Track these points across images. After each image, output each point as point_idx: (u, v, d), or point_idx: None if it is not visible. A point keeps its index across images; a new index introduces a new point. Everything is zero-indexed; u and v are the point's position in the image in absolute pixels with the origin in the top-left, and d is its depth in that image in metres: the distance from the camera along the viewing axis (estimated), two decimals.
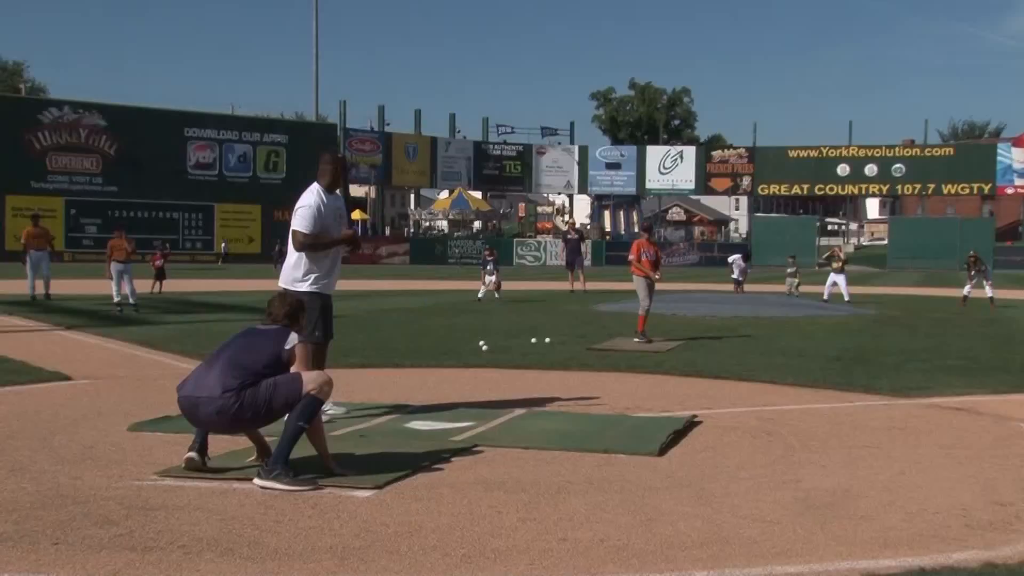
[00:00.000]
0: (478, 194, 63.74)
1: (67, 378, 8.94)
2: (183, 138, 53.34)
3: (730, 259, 28.44)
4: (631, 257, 13.19)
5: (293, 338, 5.40)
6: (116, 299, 17.46)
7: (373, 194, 65.36)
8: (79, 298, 20.27)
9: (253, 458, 5.49)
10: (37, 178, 48.95)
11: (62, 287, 21.59)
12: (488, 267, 22.19)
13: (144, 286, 21.17)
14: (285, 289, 6.77)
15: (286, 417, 5.20)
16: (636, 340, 12.53)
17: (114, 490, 4.95)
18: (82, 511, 4.56)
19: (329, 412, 7.13)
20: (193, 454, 5.30)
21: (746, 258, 28.94)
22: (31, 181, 48.51)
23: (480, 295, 21.60)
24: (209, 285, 27.86)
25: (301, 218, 6.89)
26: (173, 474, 5.27)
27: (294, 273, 6.93)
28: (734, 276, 27.03)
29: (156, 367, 9.98)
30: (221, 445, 6.02)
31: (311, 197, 6.95)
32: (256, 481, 5.06)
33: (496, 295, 21.48)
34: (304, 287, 6.87)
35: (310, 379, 5.25)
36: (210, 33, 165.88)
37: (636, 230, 67.60)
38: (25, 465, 5.48)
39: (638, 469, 5.64)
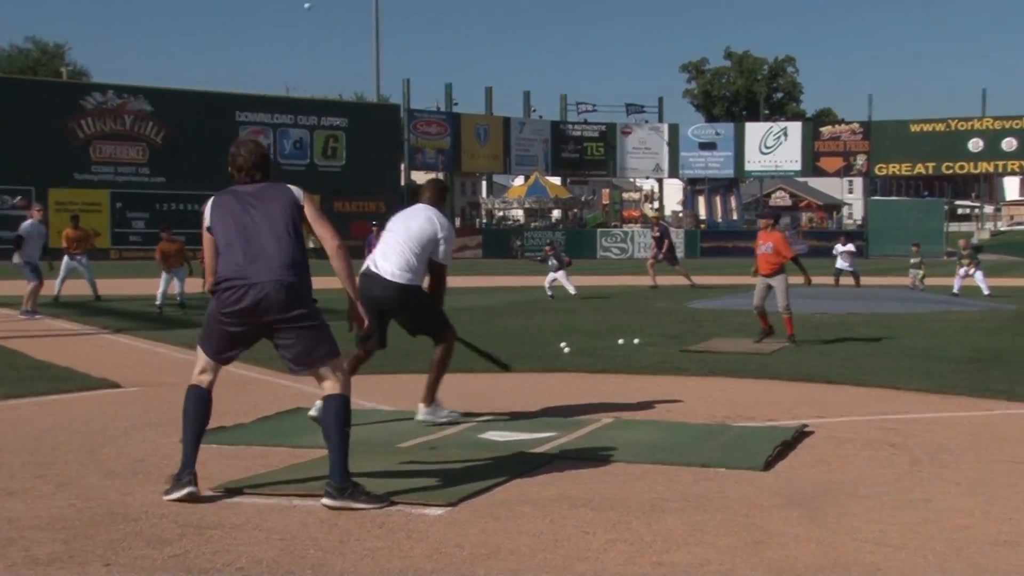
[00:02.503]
0: (556, 180, 63.70)
1: (116, 385, 9.19)
2: (234, 123, 54.28)
3: (837, 249, 27.78)
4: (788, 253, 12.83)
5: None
6: (159, 301, 17.90)
7: None
8: (127, 299, 20.81)
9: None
10: (81, 169, 50.29)
11: (109, 287, 22.18)
12: (550, 263, 22.29)
13: (195, 284, 21.64)
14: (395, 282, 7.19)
15: (326, 431, 5.24)
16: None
17: (166, 507, 5.07)
18: (134, 529, 4.68)
19: (441, 417, 7.34)
20: (193, 488, 5.17)
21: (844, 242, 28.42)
22: (74, 173, 49.85)
23: (549, 292, 21.66)
24: None
25: (449, 249, 7.52)
26: (229, 489, 5.37)
27: (415, 278, 7.33)
28: (844, 266, 26.55)
29: None
30: (280, 458, 6.13)
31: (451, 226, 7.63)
32: (326, 501, 5.06)
33: (571, 292, 21.45)
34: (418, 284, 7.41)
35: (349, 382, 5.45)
36: (262, 8, 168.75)
37: (734, 217, 66.99)
38: (73, 480, 5.64)
39: (741, 485, 5.59)
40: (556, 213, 64.65)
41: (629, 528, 4.75)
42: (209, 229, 5.44)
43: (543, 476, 5.77)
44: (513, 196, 62.85)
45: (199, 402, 5.37)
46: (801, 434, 6.96)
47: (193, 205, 50.26)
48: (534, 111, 66.84)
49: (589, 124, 66.29)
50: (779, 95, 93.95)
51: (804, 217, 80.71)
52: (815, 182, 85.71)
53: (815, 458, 6.31)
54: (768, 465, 6.04)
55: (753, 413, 7.91)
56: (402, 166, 59.93)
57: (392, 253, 7.30)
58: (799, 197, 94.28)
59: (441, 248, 7.39)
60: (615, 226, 65.26)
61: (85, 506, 5.10)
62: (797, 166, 65.21)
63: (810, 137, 64.53)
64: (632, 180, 78.37)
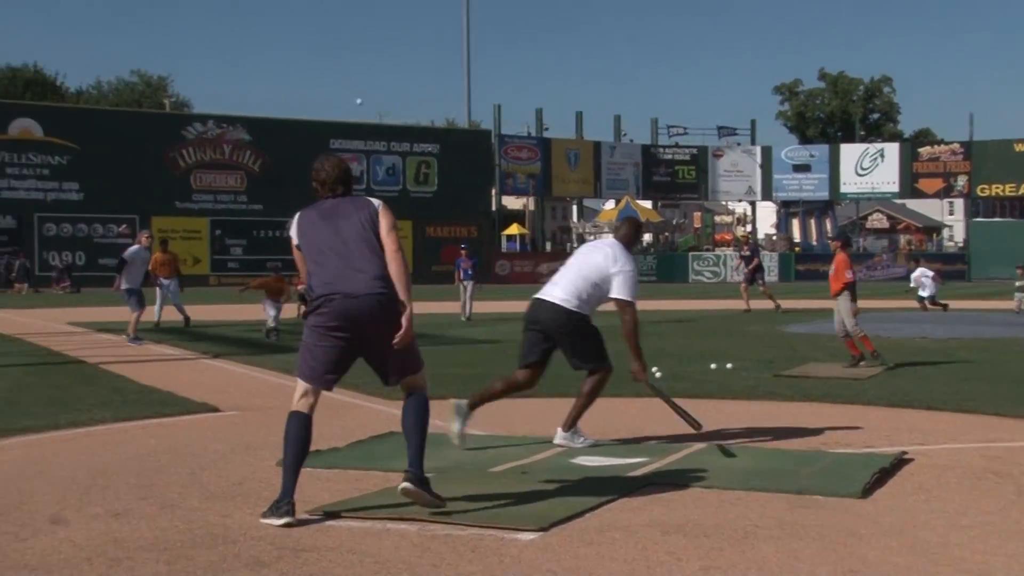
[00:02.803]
0: (647, 203, 63.45)
1: (215, 409, 9.41)
2: (328, 150, 55.25)
3: (915, 274, 25.97)
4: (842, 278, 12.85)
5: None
6: (271, 324, 17.85)
7: (532, 206, 66.06)
8: (225, 325, 21.29)
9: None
10: (182, 198, 51.67)
11: (207, 313, 22.73)
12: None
13: (290, 310, 22.05)
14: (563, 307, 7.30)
15: (411, 427, 5.50)
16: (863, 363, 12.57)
17: (264, 529, 5.17)
18: (233, 551, 4.79)
19: (578, 443, 7.34)
20: (291, 518, 5.24)
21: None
22: (176, 201, 51.25)
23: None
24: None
25: (632, 286, 7.46)
26: (324, 513, 5.46)
27: (582, 306, 7.40)
28: (924, 294, 24.87)
29: None
30: (374, 482, 6.21)
31: (632, 262, 7.56)
32: (405, 485, 5.37)
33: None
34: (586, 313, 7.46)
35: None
36: (355, 38, 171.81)
37: (828, 240, 65.94)
38: (175, 502, 5.79)
39: (838, 513, 5.49)
40: (647, 237, 64.38)
41: (722, 555, 4.71)
42: (298, 247, 5.61)
43: (635, 501, 5.75)
44: (604, 220, 62.65)
45: (300, 428, 5.44)
46: (900, 461, 6.81)
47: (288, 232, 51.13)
48: (625, 135, 66.76)
49: (680, 147, 65.93)
50: (875, 116, 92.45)
51: (902, 239, 79.06)
52: (914, 204, 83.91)
53: (915, 486, 6.18)
54: (866, 492, 5.92)
55: (850, 439, 7.78)
56: (493, 191, 60.33)
57: (563, 281, 7.47)
58: (897, 219, 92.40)
59: (615, 281, 7.39)
60: (707, 249, 64.76)
61: (187, 528, 5.23)
62: (895, 188, 63.90)
63: (908, 158, 63.19)
64: (724, 203, 77.68)
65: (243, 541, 4.96)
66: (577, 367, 7.54)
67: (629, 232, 7.80)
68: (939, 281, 25.63)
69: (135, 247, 17.59)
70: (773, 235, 68.79)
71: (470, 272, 23.31)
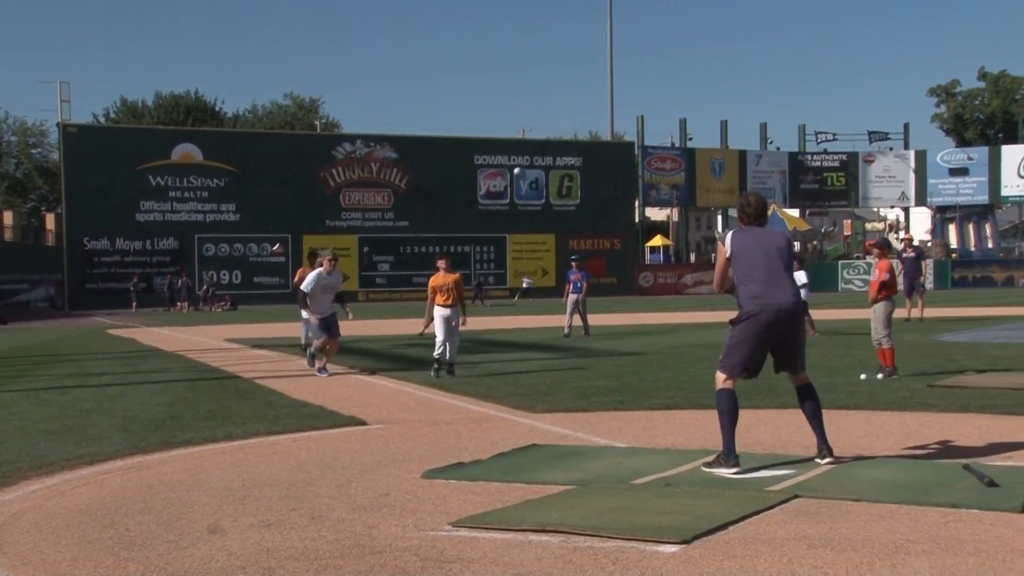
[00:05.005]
0: (795, 212, 62.22)
1: (362, 423, 9.64)
2: (473, 166, 55.99)
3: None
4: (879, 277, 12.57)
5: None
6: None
7: (676, 217, 65.51)
8: (374, 339, 21.76)
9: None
10: (332, 216, 53.15)
11: (356, 328, 23.27)
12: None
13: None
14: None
15: (813, 411, 7.04)
16: (880, 376, 12.25)
17: (409, 540, 5.27)
18: (379, 562, 4.90)
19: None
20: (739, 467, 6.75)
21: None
22: (326, 220, 52.76)
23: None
24: (501, 322, 28.94)
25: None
26: (467, 524, 5.53)
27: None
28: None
29: (449, 411, 10.53)
30: (517, 494, 6.26)
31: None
32: (819, 459, 6.90)
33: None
34: None
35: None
36: (498, 52, 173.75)
37: (989, 246, 63.33)
38: (324, 513, 5.96)
39: (995, 527, 5.28)
40: (795, 246, 63.00)
41: (872, 570, 4.58)
42: (729, 258, 7.11)
43: (780, 514, 5.64)
44: None
45: (731, 400, 6.88)
46: None
47: (434, 248, 52.15)
48: (771, 142, 65.69)
49: (829, 154, 64.49)
50: None
51: None
52: None
53: None
54: None
55: (1009, 451, 7.45)
56: (636, 203, 60.09)
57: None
58: None
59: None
60: (857, 257, 63.00)
61: (335, 538, 5.37)
62: None
63: None
64: (876, 209, 75.49)
65: (389, 552, 5.07)
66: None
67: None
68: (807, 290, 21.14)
69: (314, 273, 14.64)
70: (928, 241, 66.47)
71: (579, 285, 21.91)
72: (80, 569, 4.88)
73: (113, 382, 13.97)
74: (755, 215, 7.21)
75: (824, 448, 6.95)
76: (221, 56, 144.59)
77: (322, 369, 14.42)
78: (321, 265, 14.79)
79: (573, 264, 23.33)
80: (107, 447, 8.37)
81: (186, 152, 51.15)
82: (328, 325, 14.42)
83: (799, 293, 6.97)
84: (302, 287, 14.60)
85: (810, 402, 7.06)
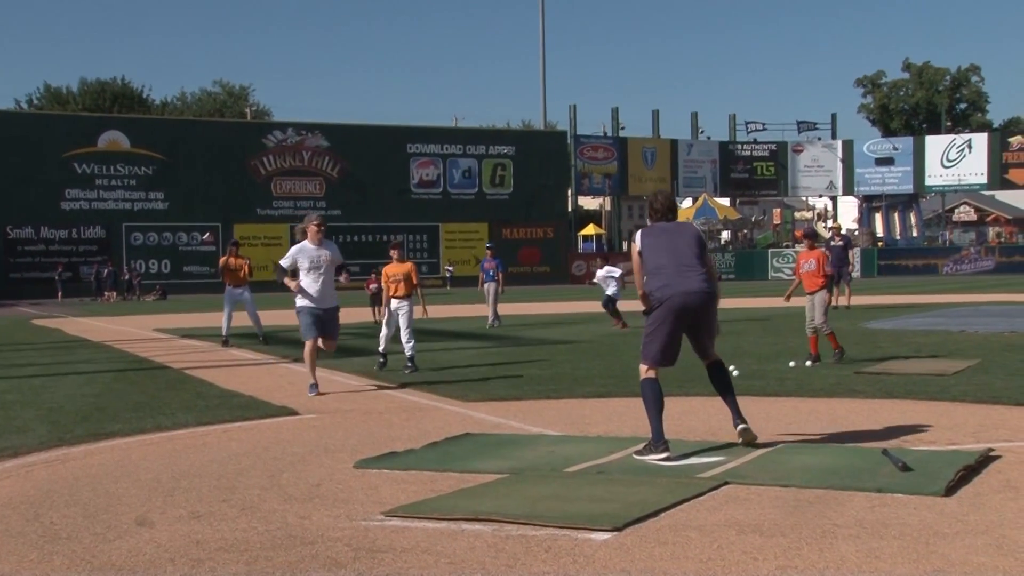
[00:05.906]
0: (725, 201, 62.96)
1: (294, 413, 9.55)
2: (405, 155, 55.79)
3: (600, 273, 21.73)
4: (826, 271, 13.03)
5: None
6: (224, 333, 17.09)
7: (608, 206, 65.88)
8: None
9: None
10: (263, 205, 52.62)
11: (285, 318, 23.00)
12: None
13: (366, 315, 22.32)
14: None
15: (723, 386, 7.32)
16: (808, 364, 12.50)
17: (341, 530, 5.24)
18: (310, 552, 4.86)
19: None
20: (669, 452, 6.79)
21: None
22: (257, 208, 52.20)
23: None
24: (433, 311, 28.81)
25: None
26: (400, 514, 5.51)
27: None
28: (610, 292, 20.82)
29: (383, 400, 10.48)
30: (449, 483, 6.25)
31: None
32: (742, 427, 7.14)
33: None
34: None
35: None
36: (431, 41, 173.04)
37: (914, 234, 64.62)
38: (255, 504, 5.90)
39: (920, 511, 5.38)
40: (725, 235, 63.76)
41: (800, 555, 4.64)
42: (640, 254, 7.31)
43: (711, 501, 5.70)
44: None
45: (655, 388, 7.05)
46: (987, 458, 6.65)
47: (368, 236, 51.78)
48: (702, 132, 66.35)
49: (759, 143, 65.30)
50: (962, 106, 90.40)
51: (991, 232, 77.13)
52: (1003, 195, 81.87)
53: (1002, 483, 6.02)
54: (950, 491, 5.78)
55: (933, 437, 7.61)
56: (569, 192, 60.31)
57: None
58: (985, 211, 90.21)
59: None
60: (787, 246, 63.93)
61: (266, 529, 5.32)
62: (983, 179, 62.51)
63: (997, 148, 61.78)
64: (804, 199, 76.61)
65: (321, 542, 5.03)
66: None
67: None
68: (623, 283, 20.73)
69: (295, 247, 11.20)
70: (855, 230, 67.64)
71: (492, 273, 21.80)
72: (3, 564, 4.77)
73: (38, 373, 13.67)
74: (663, 211, 7.53)
75: (737, 419, 7.21)
76: (149, 42, 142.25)
77: (313, 386, 10.91)
78: (304, 234, 11.13)
79: (488, 252, 23.18)
80: (31, 439, 8.20)
81: (113, 140, 50.28)
82: (325, 324, 10.96)
83: (709, 282, 7.14)
84: (280, 262, 11.22)
85: (721, 376, 7.36)
